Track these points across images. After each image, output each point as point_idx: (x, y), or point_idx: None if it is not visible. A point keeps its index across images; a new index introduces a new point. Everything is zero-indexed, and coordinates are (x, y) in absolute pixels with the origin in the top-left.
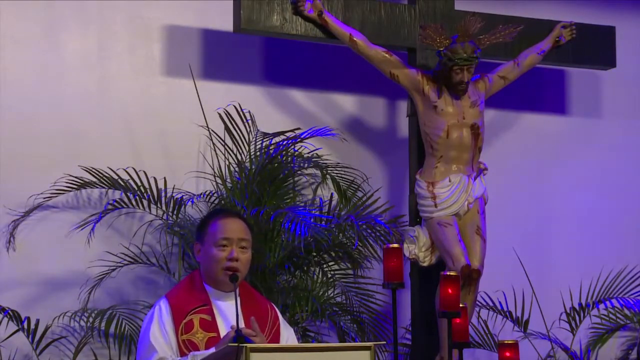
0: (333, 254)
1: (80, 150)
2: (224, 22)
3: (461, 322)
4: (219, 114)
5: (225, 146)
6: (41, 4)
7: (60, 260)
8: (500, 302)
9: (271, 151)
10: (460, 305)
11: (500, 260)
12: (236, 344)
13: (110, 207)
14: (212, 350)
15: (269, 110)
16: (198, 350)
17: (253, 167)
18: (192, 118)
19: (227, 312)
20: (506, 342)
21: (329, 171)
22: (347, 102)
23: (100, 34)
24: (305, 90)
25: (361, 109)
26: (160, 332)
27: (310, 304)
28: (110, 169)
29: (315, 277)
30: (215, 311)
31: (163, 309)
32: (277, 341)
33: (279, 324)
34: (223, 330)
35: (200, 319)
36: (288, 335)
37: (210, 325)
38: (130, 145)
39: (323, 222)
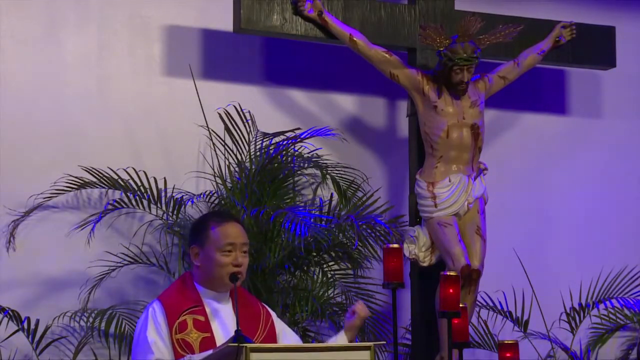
0: (333, 254)
1: (80, 150)
2: (224, 22)
3: (461, 322)
4: (219, 114)
5: (225, 146)
6: (41, 4)
7: (60, 260)
8: (500, 302)
9: (271, 151)
10: (460, 305)
11: (500, 260)
12: (236, 344)
13: (110, 207)
14: (210, 352)
15: (269, 110)
16: (193, 349)
17: (253, 167)
18: (192, 118)
19: (220, 313)
20: (506, 342)
21: (329, 171)
22: (347, 102)
23: (100, 33)
24: (305, 90)
25: (361, 109)
26: (157, 333)
27: (310, 304)
28: (110, 169)
29: (315, 277)
30: (208, 311)
31: (157, 310)
32: (274, 339)
33: (272, 321)
34: (217, 331)
35: (193, 320)
36: (282, 328)
37: (204, 326)
38: (130, 145)
39: (323, 222)
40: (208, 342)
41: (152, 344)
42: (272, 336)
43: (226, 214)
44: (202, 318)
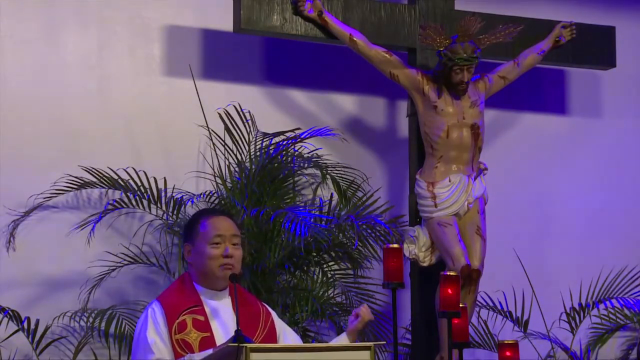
0: (333, 254)
1: (80, 150)
2: (224, 22)
3: (461, 322)
4: (219, 114)
5: (225, 146)
6: (41, 4)
7: (60, 260)
8: (500, 302)
9: (271, 151)
10: (460, 305)
11: (500, 260)
12: (236, 344)
13: (110, 207)
14: (210, 351)
15: (269, 110)
16: (192, 349)
17: (253, 167)
18: (192, 118)
19: (220, 312)
20: (506, 342)
21: (329, 171)
22: (347, 102)
23: (100, 34)
24: (305, 90)
25: (361, 109)
26: (156, 333)
27: (310, 304)
28: (110, 169)
29: (315, 277)
30: (207, 311)
31: (156, 311)
32: (274, 338)
33: (272, 320)
34: (217, 330)
35: (193, 319)
36: (282, 327)
37: (203, 326)
38: (130, 145)
39: (323, 222)
40: (208, 341)
41: (152, 344)
42: (272, 335)
43: (216, 209)
44: (201, 318)
